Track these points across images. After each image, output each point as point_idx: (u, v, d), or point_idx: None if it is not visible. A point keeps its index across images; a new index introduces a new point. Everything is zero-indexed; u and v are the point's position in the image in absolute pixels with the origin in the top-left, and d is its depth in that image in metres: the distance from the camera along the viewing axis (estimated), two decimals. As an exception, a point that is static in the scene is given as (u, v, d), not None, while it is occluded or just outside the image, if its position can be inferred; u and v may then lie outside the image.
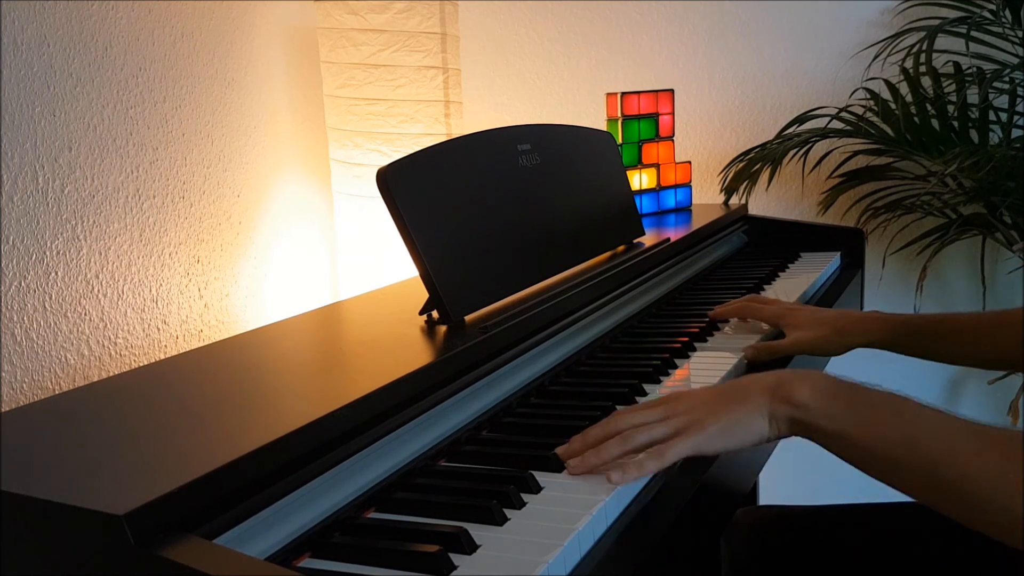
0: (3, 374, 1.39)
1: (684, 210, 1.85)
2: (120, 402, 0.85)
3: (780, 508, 1.26)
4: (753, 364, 1.15)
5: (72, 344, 1.49)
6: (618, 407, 0.97)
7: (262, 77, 1.89)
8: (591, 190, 1.38)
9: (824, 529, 1.18)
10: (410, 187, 1.03)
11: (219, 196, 1.78)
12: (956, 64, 1.88)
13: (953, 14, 1.91)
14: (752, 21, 2.15)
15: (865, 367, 2.09)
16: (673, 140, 1.83)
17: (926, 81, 1.86)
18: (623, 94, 1.75)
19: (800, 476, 2.08)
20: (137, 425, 0.79)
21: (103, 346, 1.55)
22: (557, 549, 0.68)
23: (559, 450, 0.84)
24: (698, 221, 1.69)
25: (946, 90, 1.84)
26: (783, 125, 1.98)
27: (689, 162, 1.88)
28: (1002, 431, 0.74)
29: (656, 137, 1.80)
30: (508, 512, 0.75)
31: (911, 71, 1.84)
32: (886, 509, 1.17)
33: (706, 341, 1.23)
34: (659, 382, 1.07)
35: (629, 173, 1.67)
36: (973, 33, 1.83)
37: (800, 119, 1.95)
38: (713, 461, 0.86)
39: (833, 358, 1.52)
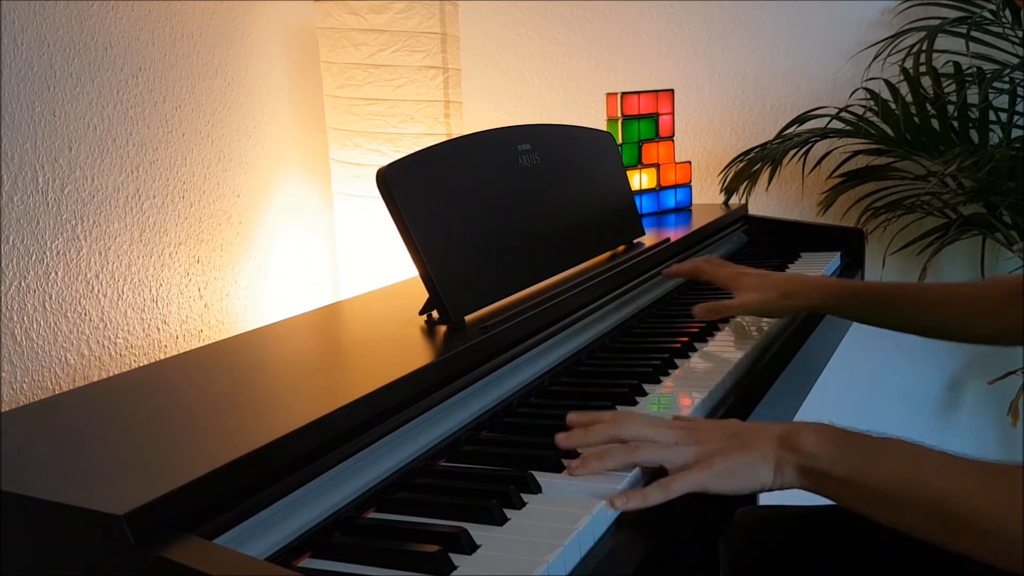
0: (3, 374, 1.39)
1: (684, 210, 1.85)
2: (120, 402, 0.85)
3: (780, 508, 1.26)
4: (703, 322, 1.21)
5: (72, 344, 1.49)
6: (618, 407, 0.97)
7: (262, 77, 1.89)
8: (591, 190, 1.38)
9: (824, 529, 1.17)
10: (410, 187, 1.03)
11: (219, 196, 1.78)
12: (956, 64, 1.88)
13: (953, 14, 1.91)
14: (752, 21, 2.15)
15: (866, 366, 2.10)
16: (673, 140, 1.83)
17: (926, 81, 1.86)
18: (623, 94, 1.75)
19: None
20: (137, 425, 0.79)
21: (103, 346, 1.55)
22: (557, 549, 0.68)
23: (558, 437, 0.85)
24: (698, 221, 1.69)
25: (946, 90, 1.84)
26: (783, 125, 1.98)
27: (689, 162, 1.88)
28: (1005, 466, 0.75)
29: (656, 137, 1.80)
30: (508, 512, 0.75)
31: (911, 71, 1.84)
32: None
33: (706, 341, 1.23)
34: (659, 382, 1.07)
35: (629, 173, 1.67)
36: (973, 33, 1.83)
37: (800, 119, 1.95)
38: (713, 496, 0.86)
39: (833, 356, 1.53)
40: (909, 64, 1.85)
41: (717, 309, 1.22)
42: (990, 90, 1.81)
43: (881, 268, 2.03)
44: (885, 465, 0.79)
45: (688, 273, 1.33)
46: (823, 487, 0.82)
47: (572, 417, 0.88)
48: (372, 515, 0.77)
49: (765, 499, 1.92)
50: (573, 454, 0.85)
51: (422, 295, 1.03)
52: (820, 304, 1.24)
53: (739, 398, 1.08)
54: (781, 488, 0.84)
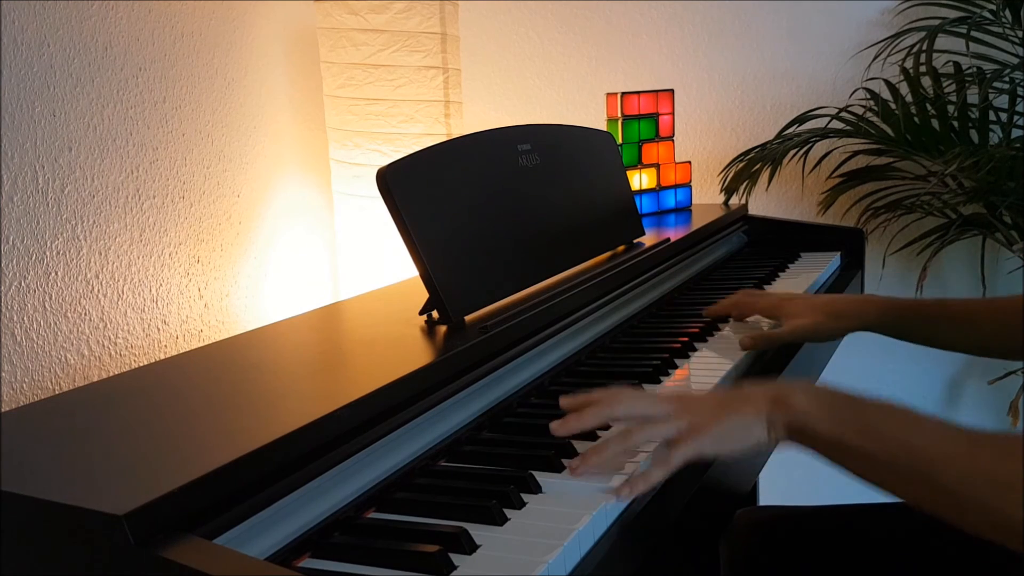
0: (3, 374, 1.39)
1: (684, 210, 1.85)
2: (120, 402, 0.85)
3: (780, 509, 1.26)
4: (753, 358, 1.16)
5: (72, 344, 1.49)
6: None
7: (262, 77, 1.89)
8: (591, 190, 1.38)
9: (824, 530, 1.18)
10: (410, 187, 1.03)
11: (219, 196, 1.78)
12: (956, 64, 1.88)
13: (953, 14, 1.91)
14: (752, 21, 2.15)
15: (866, 366, 2.10)
16: (673, 140, 1.83)
17: (926, 81, 1.86)
18: (623, 94, 1.75)
19: (800, 477, 2.08)
20: (137, 425, 0.79)
21: (103, 346, 1.55)
22: (557, 549, 0.68)
23: (553, 425, 0.84)
24: (698, 221, 1.69)
25: (946, 90, 1.84)
26: (783, 125, 1.98)
27: (689, 162, 1.88)
28: (995, 434, 0.75)
29: (656, 137, 1.80)
30: (508, 512, 0.75)
31: (911, 71, 1.84)
32: (886, 509, 1.17)
33: (706, 341, 1.23)
34: (659, 382, 1.07)
35: (629, 173, 1.67)
36: (973, 33, 1.83)
37: (800, 119, 1.95)
38: (712, 462, 0.87)
39: (833, 356, 1.53)
40: (909, 64, 1.85)
41: (768, 339, 1.18)
42: (990, 90, 1.81)
43: (881, 268, 2.03)
44: (874, 427, 0.79)
45: (728, 310, 1.29)
46: (813, 445, 0.82)
47: (564, 401, 0.88)
48: (372, 515, 0.77)
49: (765, 500, 1.92)
50: (571, 452, 0.86)
51: (422, 295, 1.03)
52: (873, 323, 1.20)
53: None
54: (776, 444, 0.84)
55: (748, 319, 1.31)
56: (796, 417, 0.81)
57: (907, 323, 1.19)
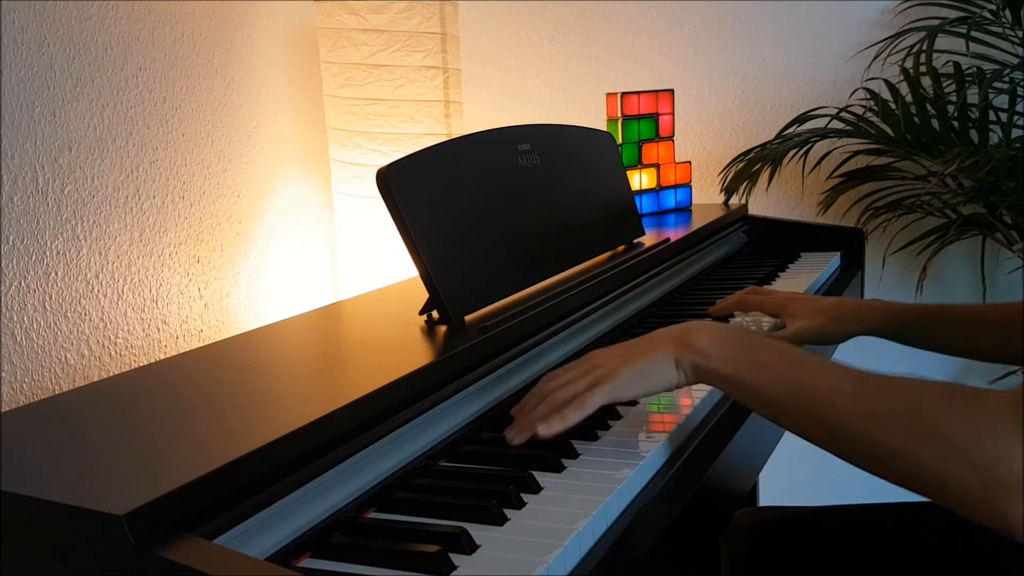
0: (3, 374, 1.39)
1: (684, 210, 1.85)
2: (120, 402, 0.85)
3: (779, 509, 1.26)
4: None
5: (72, 344, 1.49)
6: (618, 408, 0.97)
7: (262, 77, 1.89)
8: (591, 190, 1.38)
9: (824, 530, 1.18)
10: (410, 187, 1.03)
11: (219, 196, 1.78)
12: (956, 64, 1.88)
13: (953, 14, 1.91)
14: (752, 21, 2.15)
15: (865, 368, 2.10)
16: (673, 140, 1.83)
17: (926, 81, 1.86)
18: (623, 94, 1.75)
19: (800, 477, 2.08)
20: (137, 425, 0.79)
21: (103, 346, 1.55)
22: (557, 549, 0.68)
23: (507, 432, 0.90)
24: (698, 221, 1.69)
25: (946, 90, 1.84)
26: (783, 125, 1.98)
27: (689, 162, 1.88)
28: (878, 374, 0.78)
29: (656, 137, 1.80)
30: (508, 512, 0.75)
31: (911, 71, 1.84)
32: (886, 510, 1.17)
33: (706, 341, 1.23)
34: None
35: (629, 173, 1.67)
36: (973, 33, 1.83)
37: (800, 119, 1.95)
38: (716, 458, 0.88)
39: (833, 356, 1.53)
40: (909, 64, 1.85)
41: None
42: (990, 90, 1.81)
43: (881, 268, 2.03)
44: (768, 365, 0.83)
45: (734, 307, 1.30)
46: (715, 383, 0.88)
47: (512, 410, 0.94)
48: (372, 515, 0.77)
49: (765, 500, 1.93)
50: (571, 452, 0.86)
51: (422, 295, 1.03)
52: (876, 328, 1.21)
53: (739, 398, 1.07)
54: (686, 384, 0.89)
55: (744, 319, 1.31)
56: (698, 356, 0.87)
57: (910, 328, 1.20)
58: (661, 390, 0.89)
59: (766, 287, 1.43)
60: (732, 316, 1.32)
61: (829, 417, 0.77)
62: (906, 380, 0.75)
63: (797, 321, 1.21)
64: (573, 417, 0.86)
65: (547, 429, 0.84)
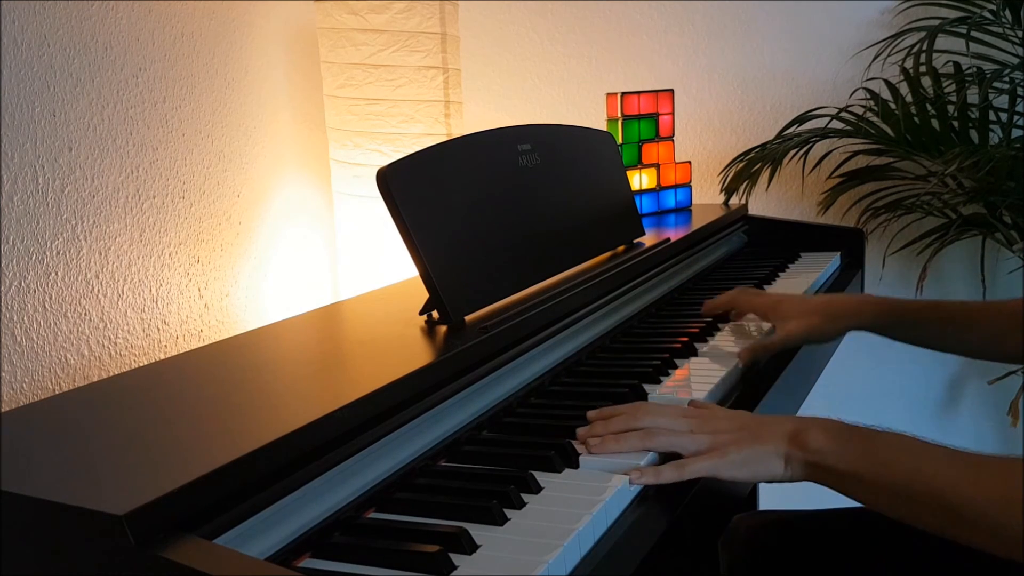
0: (3, 374, 1.39)
1: (684, 210, 1.85)
2: (120, 402, 0.85)
3: (778, 513, 1.26)
4: (751, 366, 1.16)
5: (72, 344, 1.49)
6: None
7: (262, 77, 1.89)
8: (591, 190, 1.38)
9: (822, 534, 1.17)
10: (410, 187, 1.03)
11: (219, 196, 1.78)
12: (956, 64, 1.88)
13: (953, 14, 1.91)
14: (752, 21, 2.15)
15: (866, 367, 2.10)
16: (673, 140, 1.83)
17: (926, 81, 1.86)
18: (623, 94, 1.75)
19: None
20: (137, 425, 0.79)
21: (103, 346, 1.55)
22: (557, 549, 0.68)
23: (580, 431, 0.88)
24: (698, 221, 1.69)
25: (946, 90, 1.84)
26: (783, 125, 1.98)
27: (689, 162, 1.88)
28: (998, 458, 0.79)
29: (656, 137, 1.80)
30: (508, 512, 0.75)
31: (911, 71, 1.84)
32: (886, 515, 1.17)
33: (706, 341, 1.23)
34: (659, 382, 1.07)
35: (629, 173, 1.67)
36: (973, 33, 1.83)
37: (800, 119, 1.95)
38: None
39: (833, 356, 1.53)
40: (909, 64, 1.85)
41: (764, 348, 1.17)
42: (990, 90, 1.81)
43: (881, 268, 2.03)
44: (887, 460, 0.82)
45: (725, 306, 1.29)
46: (829, 481, 0.85)
47: (591, 414, 0.91)
48: (372, 515, 0.77)
49: (764, 504, 1.92)
50: (571, 452, 0.86)
51: (422, 295, 1.03)
52: (868, 323, 1.20)
53: (740, 397, 1.08)
54: (790, 480, 0.87)
55: (742, 320, 1.31)
56: (812, 455, 0.84)
57: (902, 324, 1.20)
58: (761, 480, 0.87)
59: (756, 289, 1.41)
60: (726, 320, 1.31)
61: (956, 506, 0.77)
62: (1019, 461, 0.76)
63: (788, 323, 1.20)
64: (668, 477, 0.82)
65: (639, 478, 0.81)
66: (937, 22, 1.88)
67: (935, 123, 1.85)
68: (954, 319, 1.18)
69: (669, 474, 0.83)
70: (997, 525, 0.75)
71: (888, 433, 0.85)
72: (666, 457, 0.86)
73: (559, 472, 0.83)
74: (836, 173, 1.99)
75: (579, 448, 0.87)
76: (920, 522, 0.81)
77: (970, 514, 0.76)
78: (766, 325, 1.29)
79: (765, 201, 2.14)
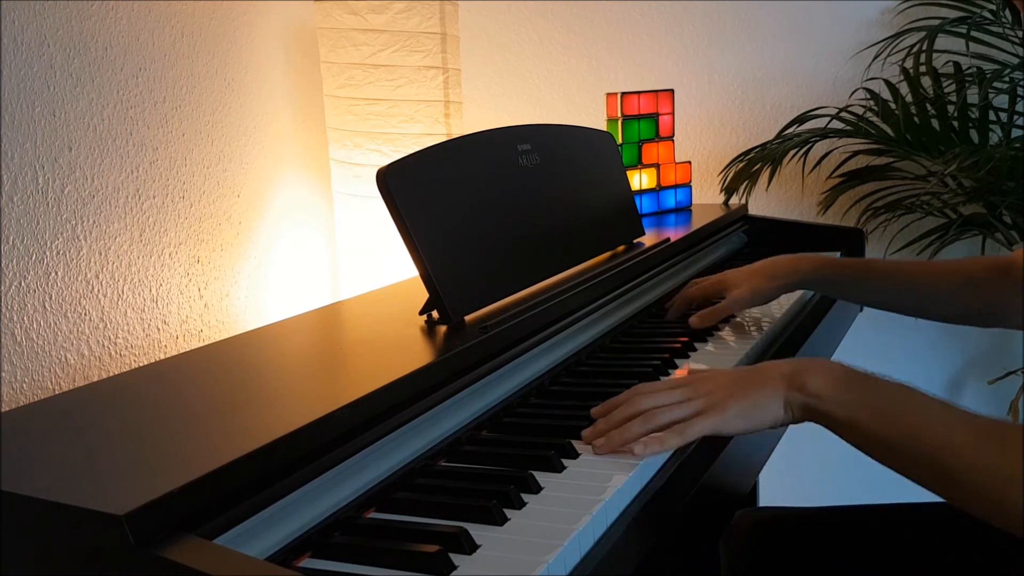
0: (3, 374, 1.39)
1: (684, 210, 1.85)
2: (120, 402, 0.85)
3: (779, 510, 1.26)
4: (699, 330, 1.21)
5: (72, 344, 1.49)
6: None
7: (262, 77, 1.89)
8: (591, 190, 1.38)
9: (823, 531, 1.18)
10: (410, 187, 1.03)
11: (219, 196, 1.78)
12: (956, 64, 1.88)
13: (953, 14, 1.91)
14: (752, 21, 2.15)
15: (869, 368, 2.10)
16: (673, 140, 1.83)
17: (926, 81, 1.86)
18: (623, 94, 1.75)
19: (800, 478, 2.08)
20: (137, 425, 0.79)
21: (103, 346, 1.55)
22: (557, 549, 0.68)
23: (585, 432, 0.88)
24: (698, 221, 1.69)
25: (946, 90, 1.84)
26: (783, 125, 1.98)
27: (689, 162, 1.88)
28: (1000, 424, 0.77)
29: (656, 137, 1.80)
30: (508, 512, 0.75)
31: (911, 71, 1.84)
32: (886, 510, 1.17)
33: (706, 341, 1.23)
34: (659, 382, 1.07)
35: (629, 173, 1.67)
36: (973, 33, 1.83)
37: (800, 119, 1.95)
38: (716, 457, 0.87)
39: (833, 357, 1.53)
40: (909, 64, 1.85)
41: (713, 314, 1.22)
42: (990, 90, 1.81)
43: (881, 268, 2.03)
44: (887, 413, 0.81)
45: (683, 304, 1.31)
46: (827, 425, 0.84)
47: (594, 411, 0.91)
48: (372, 515, 0.77)
49: (764, 500, 1.92)
50: (571, 452, 0.86)
51: (422, 295, 1.03)
52: (807, 280, 1.24)
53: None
54: (792, 422, 0.86)
55: (741, 319, 1.31)
56: (810, 398, 0.84)
57: (838, 280, 1.24)
58: (766, 428, 0.86)
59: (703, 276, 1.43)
60: (726, 320, 1.31)
61: (954, 469, 0.75)
62: (1020, 431, 0.74)
63: (733, 290, 1.24)
64: (672, 443, 0.83)
65: (643, 450, 0.81)
66: (937, 22, 1.88)
67: (935, 123, 1.85)
68: (893, 274, 1.20)
69: (673, 440, 0.83)
70: (996, 496, 0.73)
71: (892, 384, 0.83)
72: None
73: (559, 472, 0.83)
74: (836, 173, 1.99)
75: (580, 448, 0.87)
76: (916, 479, 0.79)
77: (968, 480, 0.75)
78: (765, 325, 1.30)
79: (765, 201, 2.14)
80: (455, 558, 0.68)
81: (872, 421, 0.81)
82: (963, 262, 1.20)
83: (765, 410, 0.85)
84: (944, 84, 1.84)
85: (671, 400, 0.87)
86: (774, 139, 1.96)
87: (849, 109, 1.90)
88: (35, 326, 1.44)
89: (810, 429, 0.89)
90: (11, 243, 1.40)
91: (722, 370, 0.92)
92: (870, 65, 1.95)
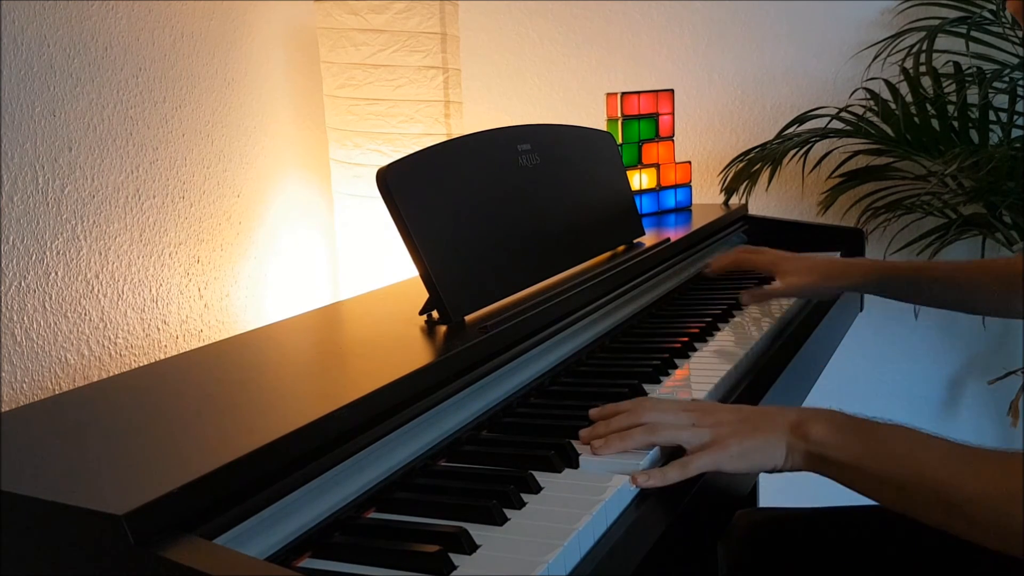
0: (3, 374, 1.39)
1: (684, 210, 1.85)
2: (120, 402, 0.85)
3: (779, 510, 1.26)
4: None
5: (72, 344, 1.49)
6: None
7: (262, 77, 1.89)
8: (591, 190, 1.38)
9: (823, 532, 1.18)
10: (410, 187, 1.03)
11: (219, 196, 1.78)
12: (956, 64, 1.88)
13: (953, 14, 1.91)
14: (752, 21, 2.15)
15: (867, 367, 2.09)
16: (673, 140, 1.83)
17: (926, 81, 1.86)
18: (623, 94, 1.75)
19: (800, 478, 2.07)
20: (137, 425, 0.79)
21: (103, 346, 1.55)
22: (557, 549, 0.68)
23: (583, 432, 0.88)
24: (698, 221, 1.69)
25: (946, 90, 1.84)
26: (783, 125, 1.98)
27: (689, 162, 1.88)
28: (998, 453, 0.79)
29: (656, 137, 1.80)
30: (508, 512, 0.75)
31: (911, 71, 1.84)
32: (885, 511, 1.17)
33: (706, 341, 1.23)
34: (659, 382, 1.07)
35: (629, 173, 1.67)
36: (973, 33, 1.83)
37: (800, 119, 1.95)
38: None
39: (833, 356, 1.53)
40: (909, 64, 1.85)
41: (764, 295, 1.28)
42: (990, 90, 1.81)
43: (881, 268, 2.03)
44: (888, 453, 0.82)
45: (730, 265, 1.38)
46: (830, 472, 0.85)
47: (593, 412, 0.92)
48: (372, 515, 0.77)
49: (764, 501, 1.92)
50: (571, 452, 0.86)
51: (422, 295, 1.03)
52: (859, 284, 1.29)
53: (739, 398, 1.08)
54: (791, 470, 0.87)
55: (742, 319, 1.32)
56: (814, 447, 0.84)
57: (893, 285, 1.28)
58: (764, 472, 0.87)
59: (760, 247, 1.49)
60: (726, 321, 1.33)
61: (957, 502, 0.76)
62: (1019, 456, 0.76)
63: (789, 277, 1.29)
64: (672, 477, 0.83)
65: (645, 481, 0.81)
66: (937, 22, 1.88)
67: (935, 123, 1.85)
68: (943, 279, 1.26)
69: (674, 474, 0.83)
70: (997, 521, 0.74)
71: (890, 425, 0.85)
72: (668, 455, 0.86)
73: (559, 472, 0.83)
74: (836, 173, 1.99)
75: (580, 448, 0.87)
76: (921, 516, 0.80)
77: (970, 510, 0.76)
78: (765, 325, 1.30)
79: (765, 201, 2.14)
80: (455, 558, 0.68)
81: (874, 463, 0.82)
82: (1013, 261, 1.24)
83: (765, 454, 0.86)
84: (944, 84, 1.84)
85: (676, 421, 0.88)
86: (774, 139, 1.96)
87: (849, 109, 1.90)
88: (35, 326, 1.44)
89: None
90: (11, 243, 1.40)
91: (730, 406, 0.92)
92: (870, 65, 1.95)
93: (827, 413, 0.87)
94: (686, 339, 1.20)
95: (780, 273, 1.31)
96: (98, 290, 1.54)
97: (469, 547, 0.69)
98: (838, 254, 1.74)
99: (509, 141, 1.23)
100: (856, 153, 1.96)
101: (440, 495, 0.79)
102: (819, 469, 0.86)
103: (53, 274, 1.47)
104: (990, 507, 0.75)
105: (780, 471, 0.87)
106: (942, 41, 1.87)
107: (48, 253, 1.46)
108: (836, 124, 1.91)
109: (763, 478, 1.74)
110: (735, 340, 1.24)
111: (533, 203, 1.23)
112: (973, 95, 1.83)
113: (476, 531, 0.71)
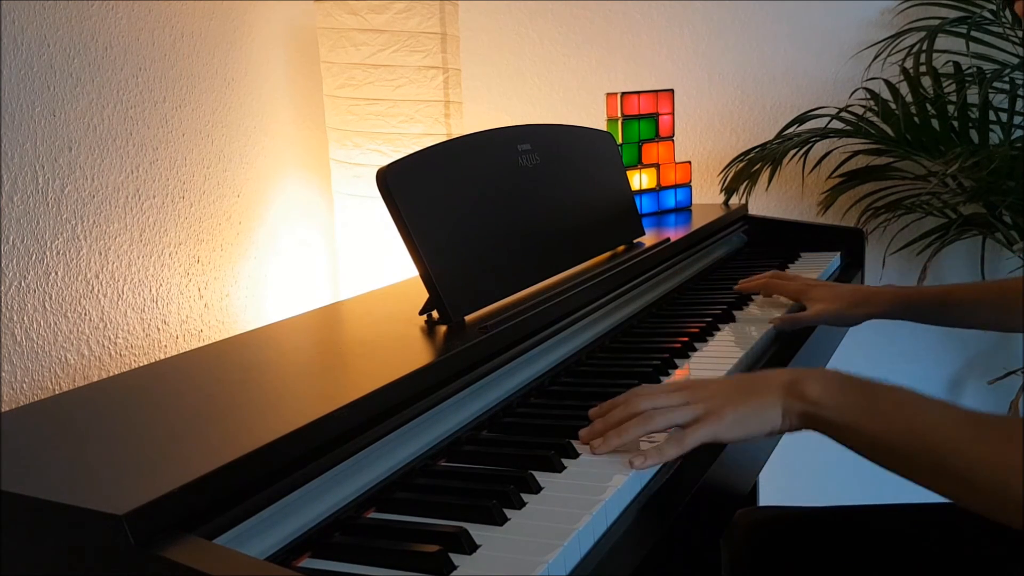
0: (3, 374, 1.39)
1: (684, 210, 1.85)
2: (120, 402, 0.85)
3: (780, 509, 1.26)
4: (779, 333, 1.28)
5: (72, 344, 1.49)
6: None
7: (262, 77, 1.89)
8: (591, 190, 1.38)
9: (823, 531, 1.18)
10: (410, 187, 1.03)
11: (219, 196, 1.78)
12: (956, 64, 1.88)
13: (953, 14, 1.91)
14: (752, 21, 2.15)
15: (867, 367, 2.10)
16: (673, 140, 1.83)
17: (926, 81, 1.86)
18: (623, 94, 1.75)
19: (800, 477, 2.08)
20: (137, 425, 0.79)
21: (103, 346, 1.55)
22: (557, 549, 0.68)
23: (582, 432, 0.88)
24: (698, 221, 1.69)
25: (946, 90, 1.84)
26: (783, 125, 1.98)
27: (689, 162, 1.88)
28: (999, 419, 0.78)
29: (656, 137, 1.80)
30: (508, 512, 0.75)
31: (911, 71, 1.84)
32: (885, 511, 1.17)
33: (706, 341, 1.23)
34: (659, 382, 1.07)
35: (629, 173, 1.67)
36: (973, 33, 1.83)
37: (800, 119, 1.95)
38: (716, 457, 0.88)
39: (833, 357, 1.53)
40: (909, 64, 1.85)
41: (795, 320, 1.30)
42: (990, 90, 1.81)
43: (881, 268, 2.03)
44: (886, 415, 0.81)
45: (758, 289, 1.41)
46: (826, 431, 0.85)
47: (592, 412, 0.92)
48: (372, 515, 0.77)
49: (765, 500, 1.92)
50: (571, 451, 0.86)
51: (422, 295, 1.03)
52: (885, 312, 1.31)
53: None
54: (789, 431, 0.87)
55: (744, 324, 1.32)
56: (809, 406, 0.84)
57: (919, 310, 1.30)
58: (763, 436, 0.87)
59: (788, 271, 1.54)
60: (726, 321, 1.33)
61: (955, 467, 0.76)
62: (1020, 424, 0.75)
63: (818, 304, 1.31)
64: (670, 453, 0.83)
65: (643, 463, 0.82)
66: (937, 22, 1.88)
67: (935, 123, 1.85)
68: (963, 303, 1.27)
69: (671, 450, 0.83)
70: (997, 489, 0.73)
71: (889, 387, 0.84)
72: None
73: (559, 472, 0.83)
74: (836, 173, 1.99)
75: (580, 448, 0.87)
76: (917, 479, 0.79)
77: (970, 476, 0.75)
78: (766, 327, 1.30)
79: (765, 201, 2.14)
80: (455, 558, 0.68)
81: (872, 423, 0.81)
82: None
83: (762, 418, 0.85)
84: (944, 84, 1.84)
85: (669, 403, 0.87)
86: (774, 139, 1.96)
87: (849, 109, 1.90)
88: (35, 326, 1.44)
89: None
90: (11, 243, 1.40)
91: (721, 378, 0.92)
92: (870, 65, 1.95)
93: (822, 372, 0.87)
94: (686, 339, 1.20)
95: (808, 300, 1.33)
96: (98, 290, 1.54)
97: (469, 547, 0.69)
98: (838, 254, 1.74)
99: (509, 141, 1.23)
100: (856, 153, 1.96)
101: (440, 495, 0.79)
102: (815, 427, 0.85)
103: (53, 274, 1.47)
104: (990, 475, 0.74)
105: (779, 433, 0.87)
106: (942, 41, 1.87)
107: (48, 253, 1.46)
108: (836, 124, 1.91)
109: (763, 477, 1.74)
110: (735, 340, 1.24)
111: (533, 203, 1.23)
112: (973, 95, 1.83)
113: (476, 531, 0.71)
